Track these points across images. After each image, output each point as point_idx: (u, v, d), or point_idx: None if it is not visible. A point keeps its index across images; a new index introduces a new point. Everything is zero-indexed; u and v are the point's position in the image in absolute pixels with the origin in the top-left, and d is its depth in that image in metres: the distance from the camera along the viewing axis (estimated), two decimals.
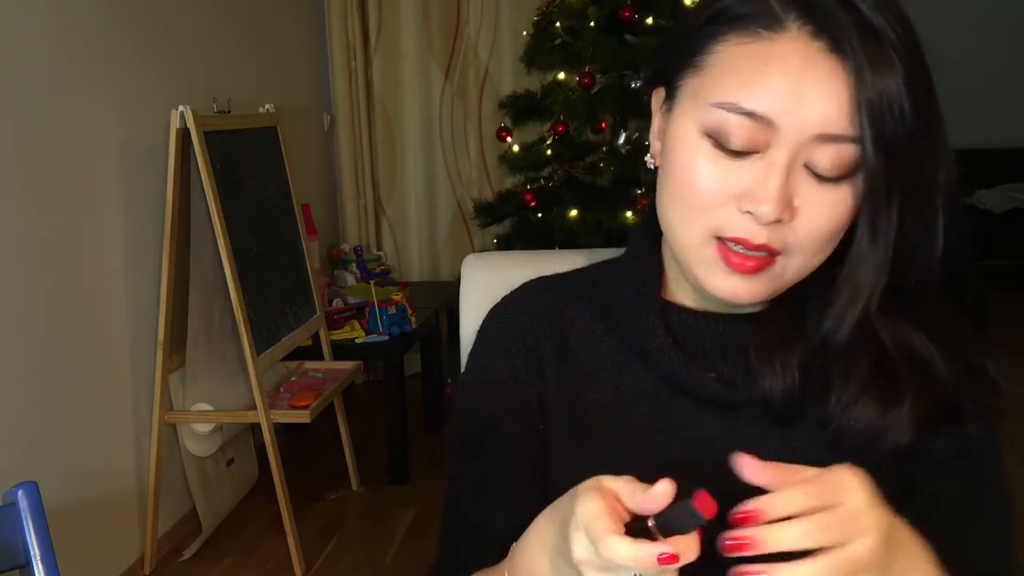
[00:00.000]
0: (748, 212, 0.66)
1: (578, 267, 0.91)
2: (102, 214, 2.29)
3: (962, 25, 5.51)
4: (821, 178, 0.66)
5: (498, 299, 0.87)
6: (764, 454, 0.69)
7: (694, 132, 0.69)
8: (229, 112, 2.67)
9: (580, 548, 0.56)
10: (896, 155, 0.64)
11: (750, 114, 0.65)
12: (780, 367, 0.71)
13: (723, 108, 0.66)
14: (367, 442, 3.13)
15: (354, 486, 2.94)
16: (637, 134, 2.61)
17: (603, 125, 2.70)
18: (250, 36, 3.16)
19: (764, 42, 0.65)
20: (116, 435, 2.35)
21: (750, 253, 0.68)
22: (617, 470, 0.59)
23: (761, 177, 0.66)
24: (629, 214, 2.56)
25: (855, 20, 0.63)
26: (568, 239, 2.63)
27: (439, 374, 3.46)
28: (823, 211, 0.66)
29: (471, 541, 0.82)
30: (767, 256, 0.68)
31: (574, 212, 2.64)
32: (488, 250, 2.65)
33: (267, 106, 2.80)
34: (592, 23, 2.62)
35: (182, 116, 2.28)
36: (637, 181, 2.57)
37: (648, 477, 0.63)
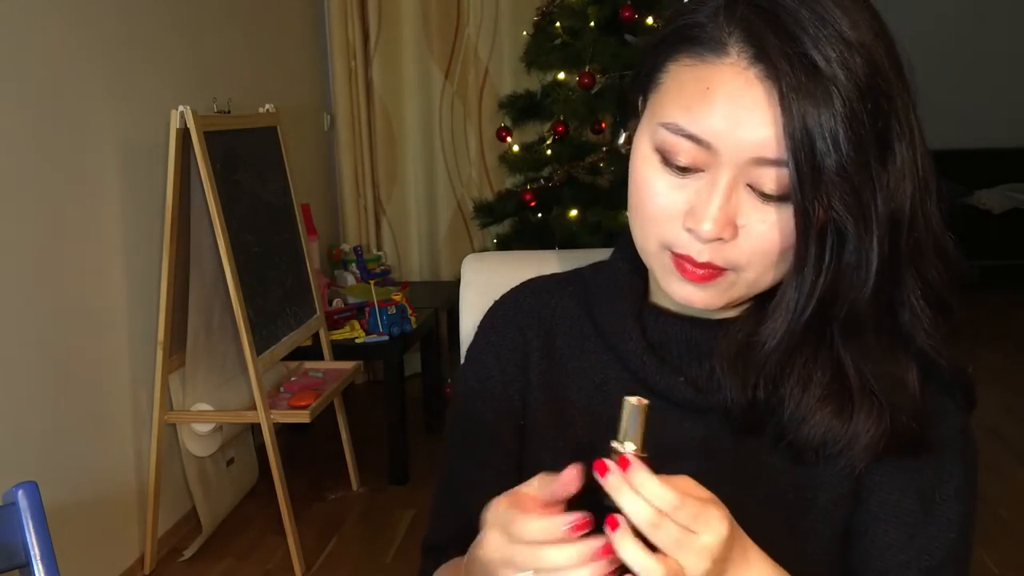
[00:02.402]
0: (691, 229, 0.68)
1: (576, 267, 0.93)
2: (102, 214, 2.29)
3: (963, 26, 5.52)
4: (766, 197, 0.67)
5: (498, 299, 0.91)
6: (730, 459, 0.75)
7: (647, 147, 0.71)
8: (229, 112, 2.67)
9: (491, 547, 0.61)
10: (824, 185, 0.64)
11: (691, 136, 0.67)
12: (742, 379, 0.72)
13: (668, 128, 0.68)
14: (367, 442, 3.14)
15: (354, 486, 2.94)
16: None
17: (603, 125, 2.71)
18: (250, 36, 3.16)
19: (707, 66, 0.66)
20: (116, 435, 2.35)
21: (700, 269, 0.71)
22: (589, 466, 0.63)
23: (704, 196, 0.67)
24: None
25: (792, 51, 0.63)
26: (568, 239, 2.63)
27: (439, 374, 3.46)
28: (766, 230, 0.67)
29: (452, 523, 0.87)
30: (722, 268, 0.70)
31: (574, 212, 2.64)
32: (488, 250, 2.65)
33: (267, 106, 2.80)
34: (592, 23, 2.62)
35: (182, 116, 2.28)
36: None
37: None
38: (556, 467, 0.62)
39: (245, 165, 2.54)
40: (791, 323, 0.69)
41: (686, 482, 0.62)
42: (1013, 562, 2.38)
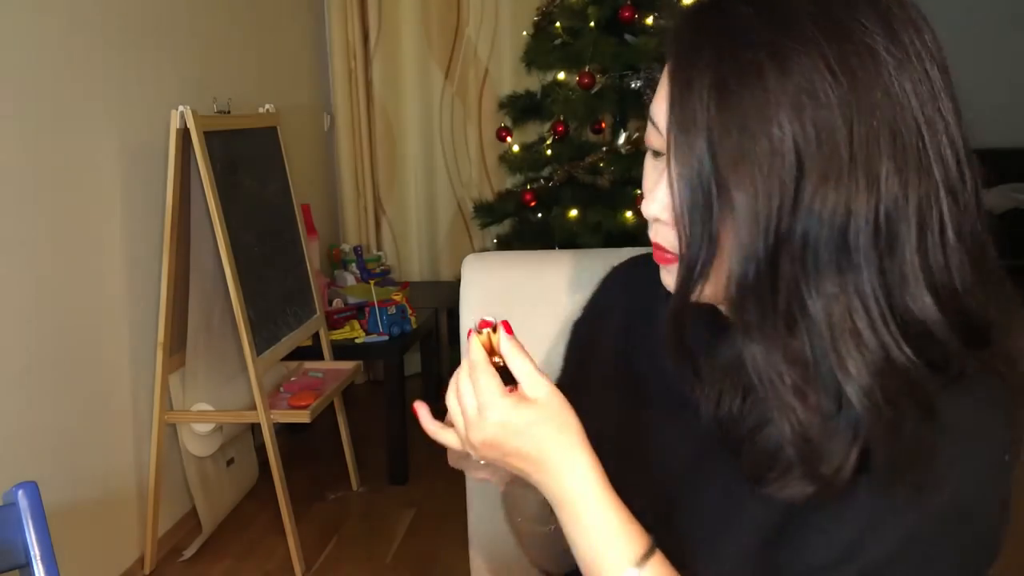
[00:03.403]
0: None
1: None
2: (102, 214, 2.29)
3: (963, 25, 5.51)
4: None
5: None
6: (701, 451, 0.79)
7: None
8: (229, 112, 2.67)
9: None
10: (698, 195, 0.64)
11: (650, 119, 0.71)
12: (713, 386, 0.73)
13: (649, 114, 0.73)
14: (367, 442, 3.14)
15: (354, 486, 2.94)
16: (637, 134, 2.61)
17: (603, 125, 2.71)
18: (250, 36, 3.16)
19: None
20: (116, 435, 2.35)
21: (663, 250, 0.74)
22: (595, 422, 0.72)
23: (655, 177, 0.72)
24: (629, 214, 2.56)
25: (681, 58, 0.65)
26: (568, 239, 2.63)
27: (439, 374, 3.46)
28: None
29: None
30: (670, 254, 0.72)
31: (574, 212, 2.64)
32: (488, 250, 2.65)
33: (267, 106, 2.80)
34: (592, 23, 2.62)
35: (182, 116, 2.28)
36: (637, 181, 2.57)
37: (611, 439, 0.78)
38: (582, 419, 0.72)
39: (245, 165, 2.54)
40: (675, 303, 0.69)
41: (530, 373, 0.71)
42: (1013, 562, 2.38)
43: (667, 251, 0.71)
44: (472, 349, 0.72)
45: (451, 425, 0.77)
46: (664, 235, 0.71)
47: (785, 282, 0.63)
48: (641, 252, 0.96)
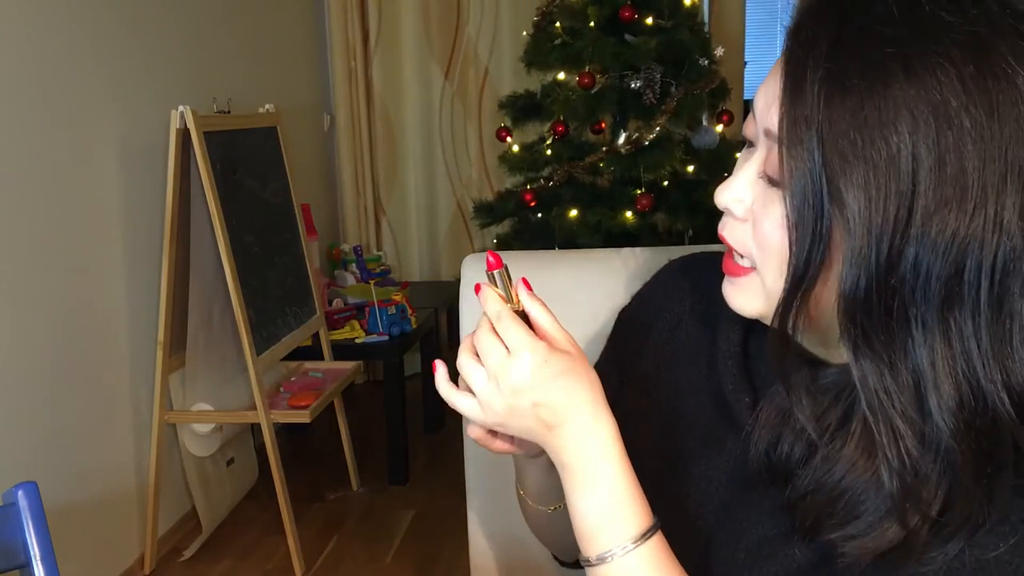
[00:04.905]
0: None
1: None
2: (102, 214, 2.29)
3: None
4: (770, 180, 0.62)
5: (684, 257, 0.91)
6: (736, 490, 0.72)
7: None
8: (229, 112, 2.67)
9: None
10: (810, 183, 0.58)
11: (752, 105, 0.65)
12: (770, 428, 0.68)
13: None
14: (367, 442, 3.13)
15: (354, 486, 2.94)
16: (637, 134, 2.61)
17: (603, 125, 2.70)
18: (250, 36, 3.16)
19: None
20: (116, 435, 2.35)
21: (735, 259, 0.67)
22: (636, 424, 0.70)
23: (738, 167, 0.67)
24: (629, 214, 2.56)
25: (797, 43, 0.60)
26: (568, 239, 2.63)
27: None
28: (767, 216, 0.62)
29: None
30: (749, 266, 0.66)
31: (574, 212, 2.64)
32: (488, 250, 2.63)
33: (267, 106, 2.80)
34: (592, 23, 2.62)
35: (182, 116, 2.28)
36: (637, 181, 2.57)
37: (652, 442, 0.77)
38: (618, 415, 0.68)
39: (245, 165, 2.54)
40: (780, 313, 0.62)
41: (554, 327, 0.67)
42: None
43: (739, 260, 0.66)
44: (489, 301, 0.67)
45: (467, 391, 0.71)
46: (735, 232, 0.66)
47: (896, 305, 0.58)
48: (702, 251, 0.90)
